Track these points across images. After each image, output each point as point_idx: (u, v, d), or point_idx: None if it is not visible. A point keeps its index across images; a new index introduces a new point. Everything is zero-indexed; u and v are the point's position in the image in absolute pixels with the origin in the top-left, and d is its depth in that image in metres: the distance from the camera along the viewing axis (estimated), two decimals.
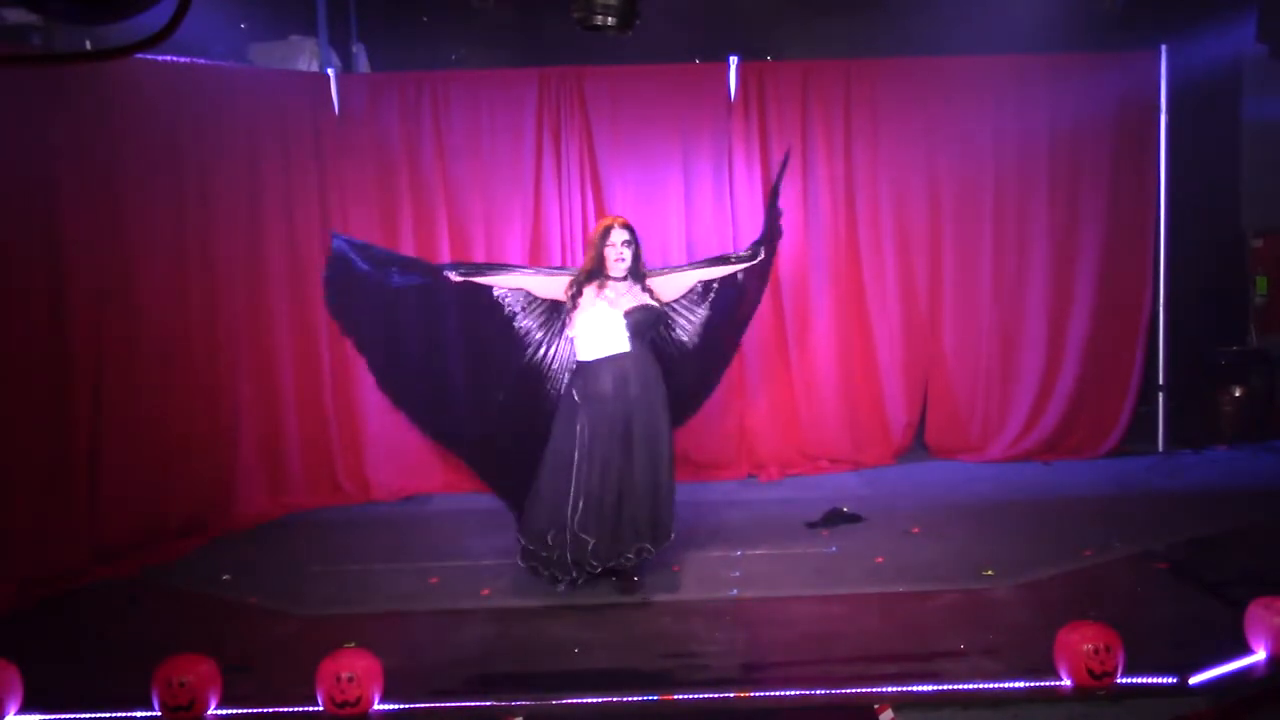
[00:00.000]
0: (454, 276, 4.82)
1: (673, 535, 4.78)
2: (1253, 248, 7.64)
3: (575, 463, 4.61)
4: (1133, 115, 6.93)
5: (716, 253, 6.73)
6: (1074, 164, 6.93)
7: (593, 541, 4.59)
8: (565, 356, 4.87)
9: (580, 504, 4.59)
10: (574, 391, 4.69)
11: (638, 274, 4.76)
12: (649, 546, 4.69)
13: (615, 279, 4.71)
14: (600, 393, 4.62)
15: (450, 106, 6.69)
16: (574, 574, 4.65)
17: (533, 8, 7.22)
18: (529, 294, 4.86)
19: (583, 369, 4.70)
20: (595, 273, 4.71)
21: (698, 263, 5.15)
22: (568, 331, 4.77)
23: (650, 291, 4.77)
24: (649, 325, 4.74)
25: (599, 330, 4.67)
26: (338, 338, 6.57)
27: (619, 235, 4.70)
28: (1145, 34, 6.95)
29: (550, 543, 4.64)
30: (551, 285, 4.83)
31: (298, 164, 6.41)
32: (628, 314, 4.65)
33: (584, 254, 4.79)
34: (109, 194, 5.50)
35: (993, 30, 6.79)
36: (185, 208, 5.91)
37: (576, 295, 4.70)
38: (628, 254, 4.70)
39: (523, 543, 4.75)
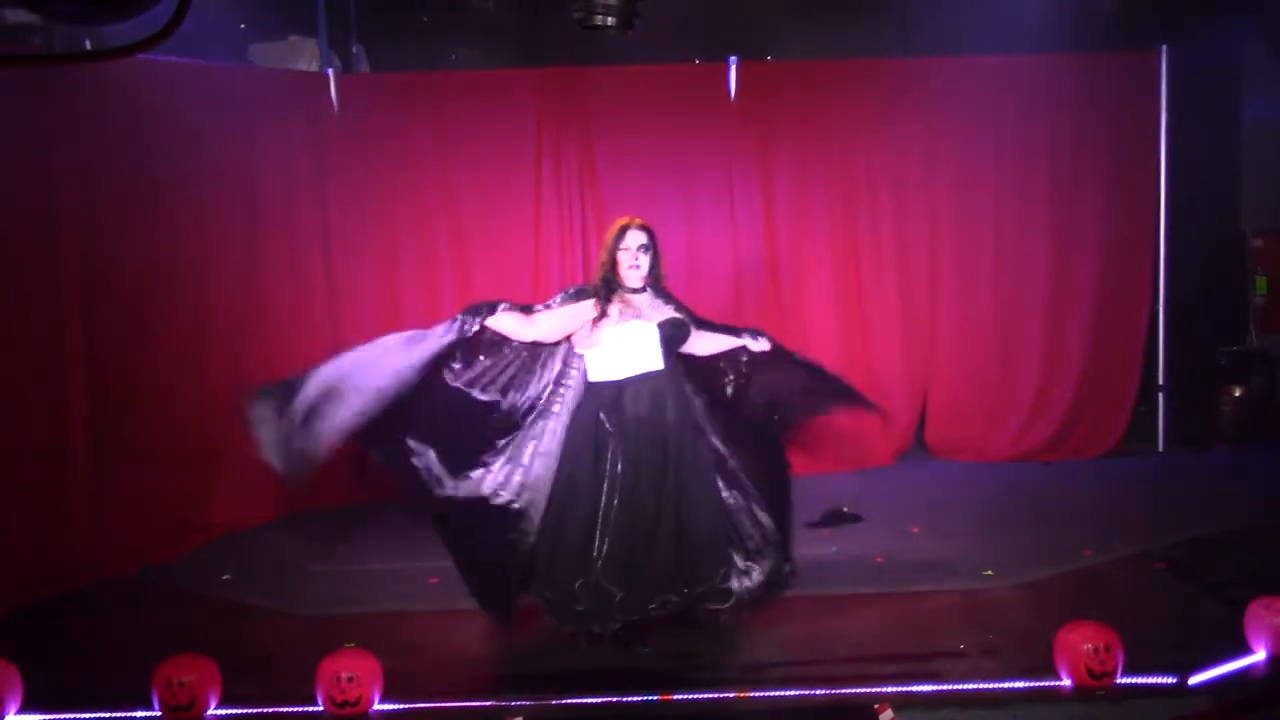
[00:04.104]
0: (473, 326, 4.11)
1: (717, 585, 4.13)
2: (1253, 248, 7.64)
3: (603, 501, 4.00)
4: (1133, 115, 6.93)
5: (718, 250, 6.78)
6: (1074, 164, 6.93)
7: (620, 594, 3.99)
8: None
9: (605, 549, 3.99)
10: (601, 416, 4.03)
11: (659, 288, 4.18)
12: (674, 598, 4.07)
13: (633, 290, 4.11)
14: (636, 417, 4.01)
15: (449, 106, 6.68)
16: (597, 628, 4.04)
17: (533, 8, 7.21)
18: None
19: (608, 390, 4.05)
20: (613, 283, 4.10)
21: (713, 325, 4.41)
22: (581, 348, 4.14)
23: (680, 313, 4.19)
24: (679, 341, 4.16)
25: (629, 344, 4.06)
26: (338, 336, 6.57)
27: (635, 238, 4.08)
28: (1145, 34, 6.95)
29: (577, 592, 4.00)
30: (569, 324, 4.14)
31: (297, 164, 6.41)
32: (661, 325, 4.09)
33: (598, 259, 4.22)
34: (107, 194, 5.49)
35: (993, 31, 6.78)
36: (184, 208, 5.89)
37: (602, 316, 4.08)
38: (644, 261, 4.08)
39: (547, 595, 4.09)
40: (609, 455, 4.01)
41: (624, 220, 4.17)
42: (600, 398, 4.07)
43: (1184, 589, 4.62)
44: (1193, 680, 3.61)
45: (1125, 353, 7.04)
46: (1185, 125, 6.99)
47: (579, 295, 4.18)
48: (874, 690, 3.65)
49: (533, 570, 4.13)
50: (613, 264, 4.11)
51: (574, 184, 6.77)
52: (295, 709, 3.68)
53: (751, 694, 3.71)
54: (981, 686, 3.67)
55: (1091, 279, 6.95)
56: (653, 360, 4.09)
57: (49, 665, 4.10)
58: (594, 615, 4.02)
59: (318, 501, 6.39)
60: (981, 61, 6.91)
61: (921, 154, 6.90)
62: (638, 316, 4.10)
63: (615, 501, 3.99)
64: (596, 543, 3.99)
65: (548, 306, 4.20)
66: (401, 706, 3.67)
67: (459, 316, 4.12)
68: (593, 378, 4.13)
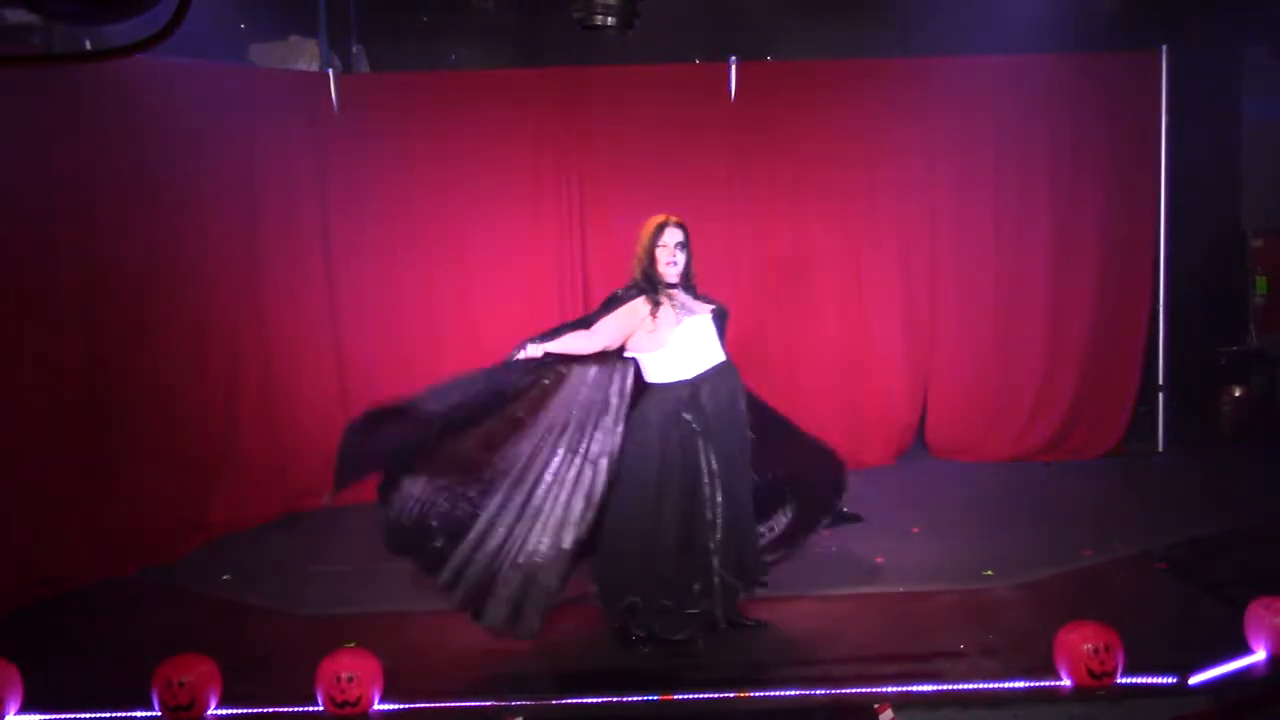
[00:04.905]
0: (524, 355, 4.10)
1: (765, 580, 4.30)
2: (1253, 248, 7.65)
3: (707, 498, 4.01)
4: (1133, 115, 6.93)
5: (718, 250, 6.73)
6: (1074, 164, 6.92)
7: (741, 587, 4.14)
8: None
9: (720, 545, 4.02)
10: (687, 417, 3.99)
11: (690, 285, 4.17)
12: (740, 585, 4.17)
13: (671, 286, 4.11)
14: (716, 411, 4.01)
15: (449, 107, 6.67)
16: (724, 622, 4.09)
17: (533, 8, 7.22)
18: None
19: (683, 390, 4.03)
20: (654, 279, 4.09)
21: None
22: (639, 351, 4.10)
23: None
24: (725, 329, 4.20)
25: (696, 341, 4.07)
26: (338, 336, 6.60)
27: (673, 235, 4.09)
28: (1145, 34, 6.95)
29: (697, 594, 4.03)
30: (629, 325, 4.10)
31: (297, 164, 6.41)
32: (714, 315, 4.14)
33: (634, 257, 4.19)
34: (107, 194, 5.49)
35: (993, 31, 6.79)
36: (184, 208, 5.89)
37: (655, 311, 4.07)
38: (680, 258, 4.09)
39: (665, 604, 4.03)
40: (701, 453, 4.00)
41: (660, 218, 4.16)
42: (675, 399, 4.03)
43: (1184, 589, 4.62)
44: (1193, 680, 3.62)
45: (1125, 353, 7.04)
46: (1185, 125, 6.98)
47: (626, 296, 4.14)
48: (874, 690, 3.66)
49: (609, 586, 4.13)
50: (650, 260, 4.11)
51: (574, 184, 6.76)
52: (295, 709, 3.68)
53: (751, 694, 3.71)
54: (981, 686, 3.67)
55: (1091, 279, 6.94)
56: (717, 353, 4.12)
57: (49, 665, 4.10)
58: (710, 615, 4.04)
59: (317, 501, 6.41)
60: (981, 61, 6.90)
61: (921, 154, 6.89)
62: (690, 312, 4.10)
63: (719, 497, 4.01)
64: (713, 540, 4.01)
65: (598, 316, 4.18)
66: (401, 706, 3.68)
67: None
68: (657, 379, 4.09)
